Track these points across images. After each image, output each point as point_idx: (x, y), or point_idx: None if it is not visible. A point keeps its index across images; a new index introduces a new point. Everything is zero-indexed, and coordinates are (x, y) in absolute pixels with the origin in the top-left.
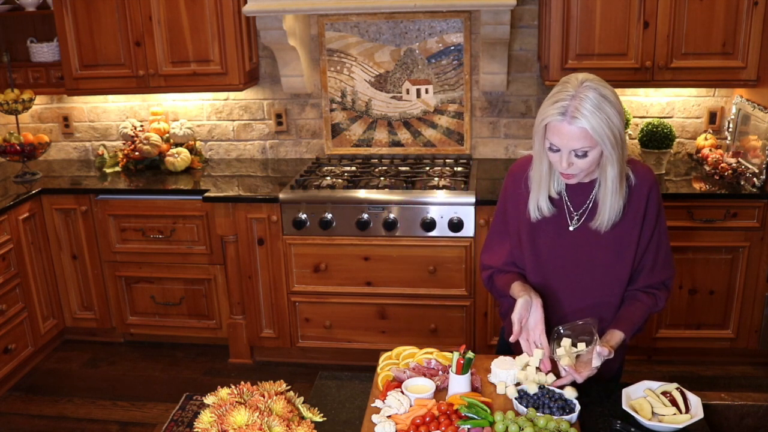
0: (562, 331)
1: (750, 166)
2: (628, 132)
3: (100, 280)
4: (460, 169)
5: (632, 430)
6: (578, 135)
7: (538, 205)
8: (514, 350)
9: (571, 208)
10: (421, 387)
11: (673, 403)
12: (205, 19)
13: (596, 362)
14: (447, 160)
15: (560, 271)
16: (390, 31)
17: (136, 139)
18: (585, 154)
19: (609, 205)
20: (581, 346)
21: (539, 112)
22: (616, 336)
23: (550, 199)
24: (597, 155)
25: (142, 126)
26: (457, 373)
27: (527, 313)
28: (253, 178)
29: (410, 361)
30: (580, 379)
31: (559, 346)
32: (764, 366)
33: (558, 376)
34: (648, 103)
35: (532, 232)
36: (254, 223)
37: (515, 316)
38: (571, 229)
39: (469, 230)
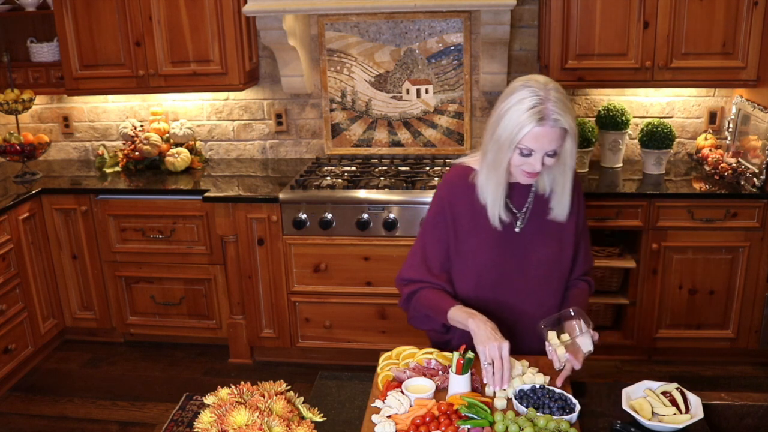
0: (544, 326)
1: (750, 166)
2: (628, 132)
3: (100, 280)
4: None
5: (632, 430)
6: (557, 136)
7: (499, 214)
8: None
9: (514, 210)
10: (421, 387)
11: (673, 403)
12: (205, 19)
13: (590, 346)
14: (447, 160)
15: (511, 274)
16: (390, 31)
17: (136, 139)
18: (555, 153)
19: (567, 195)
20: (565, 336)
21: (509, 122)
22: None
23: None
24: (562, 151)
25: (142, 126)
26: (457, 373)
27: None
28: (253, 178)
29: (410, 361)
30: (578, 365)
31: (547, 339)
32: (764, 366)
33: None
34: (648, 103)
35: (479, 239)
36: (254, 223)
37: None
38: (516, 230)
39: None
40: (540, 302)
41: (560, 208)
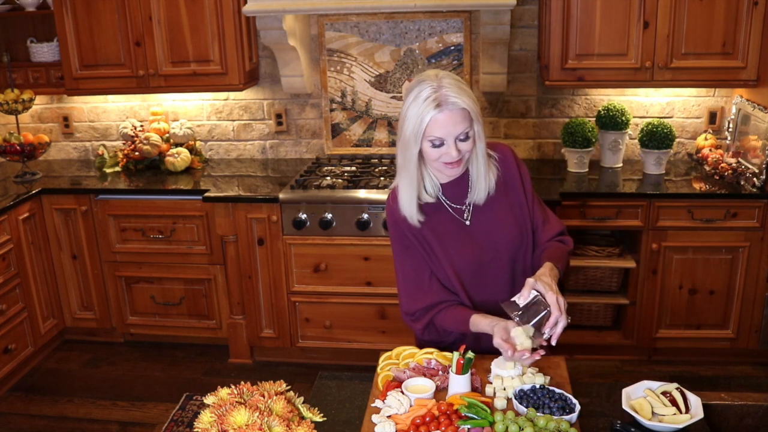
0: (518, 321)
1: (750, 166)
2: (628, 132)
3: (100, 280)
4: None
5: (632, 430)
6: (460, 118)
7: (413, 212)
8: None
9: (455, 205)
10: (421, 387)
11: (673, 403)
12: (205, 19)
13: (564, 319)
14: None
15: (485, 267)
16: (390, 31)
17: (136, 139)
18: (466, 136)
19: (483, 178)
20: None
21: (410, 118)
22: (546, 267)
23: (432, 204)
24: (473, 134)
25: (142, 126)
26: (457, 373)
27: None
28: (253, 178)
29: (410, 361)
30: (561, 326)
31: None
32: (764, 366)
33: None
34: (648, 103)
35: (444, 248)
36: (254, 223)
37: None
38: (468, 223)
39: None
40: (516, 280)
41: (477, 192)
